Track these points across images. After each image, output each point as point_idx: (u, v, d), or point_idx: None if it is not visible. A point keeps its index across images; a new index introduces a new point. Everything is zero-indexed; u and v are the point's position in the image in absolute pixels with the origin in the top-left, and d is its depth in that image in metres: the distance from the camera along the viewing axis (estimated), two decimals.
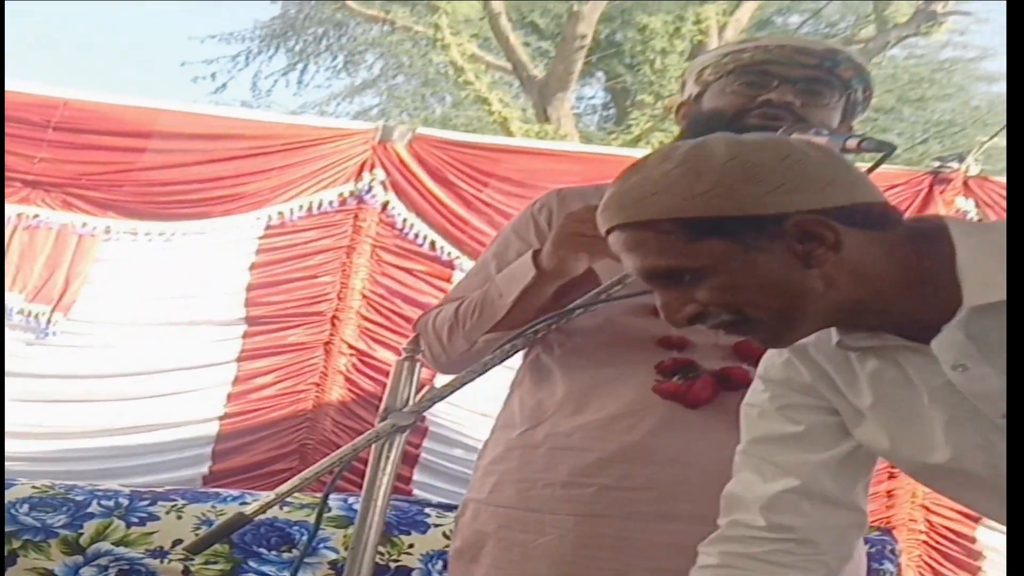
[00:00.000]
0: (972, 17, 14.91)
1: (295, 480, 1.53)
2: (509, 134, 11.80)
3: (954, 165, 6.04)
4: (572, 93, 13.81)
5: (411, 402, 1.67)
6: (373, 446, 1.64)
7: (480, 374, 1.67)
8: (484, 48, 13.90)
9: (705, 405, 1.95)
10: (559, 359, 2.08)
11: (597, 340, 2.05)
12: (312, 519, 4.15)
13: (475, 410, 5.35)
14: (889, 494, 5.86)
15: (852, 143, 1.86)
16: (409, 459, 5.56)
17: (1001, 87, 16.20)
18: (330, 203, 5.59)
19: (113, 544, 4.03)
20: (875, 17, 13.54)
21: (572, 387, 2.04)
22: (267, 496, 1.51)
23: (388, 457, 1.64)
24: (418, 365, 1.70)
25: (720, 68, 2.17)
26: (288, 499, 4.09)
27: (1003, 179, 6.32)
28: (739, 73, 2.14)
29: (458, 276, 5.54)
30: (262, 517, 4.06)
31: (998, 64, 18.10)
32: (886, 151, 1.82)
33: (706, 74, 2.20)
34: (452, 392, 1.70)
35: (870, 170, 1.80)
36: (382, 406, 1.67)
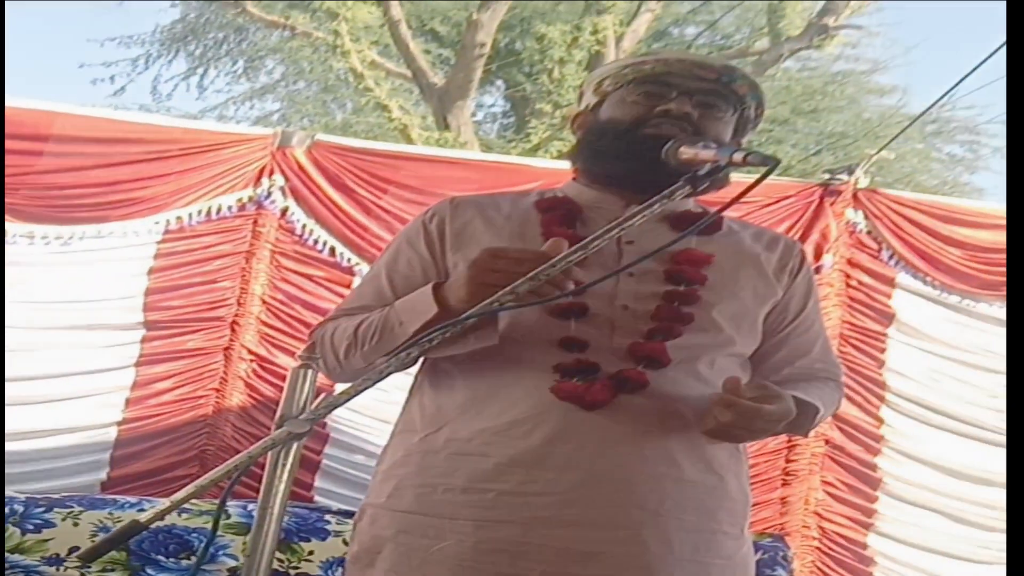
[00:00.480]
0: (863, 31, 15.18)
1: (191, 487, 1.50)
2: (409, 141, 11.78)
3: (844, 177, 6.14)
4: (472, 101, 13.79)
5: (307, 409, 1.66)
6: (269, 453, 1.62)
7: (376, 382, 1.65)
8: (384, 55, 13.84)
9: (602, 407, 1.93)
10: (458, 363, 2.05)
11: (500, 340, 2.01)
12: (211, 526, 4.11)
13: (377, 416, 5.36)
14: (783, 501, 5.97)
15: (738, 157, 1.86)
16: (310, 465, 5.55)
17: (891, 100, 16.58)
18: (229, 208, 5.55)
19: (8, 551, 3.95)
20: (769, 30, 13.67)
21: (472, 391, 2.03)
22: (163, 503, 1.48)
23: (284, 464, 1.64)
24: (313, 372, 1.69)
25: (620, 79, 2.20)
26: (186, 506, 4.05)
27: (892, 192, 6.53)
28: (639, 83, 2.16)
29: (358, 282, 5.54)
30: (160, 524, 4.03)
31: (889, 77, 18.49)
32: (770, 164, 1.81)
33: (605, 84, 2.23)
34: (348, 400, 1.66)
35: (755, 184, 1.83)
36: (278, 413, 1.67)
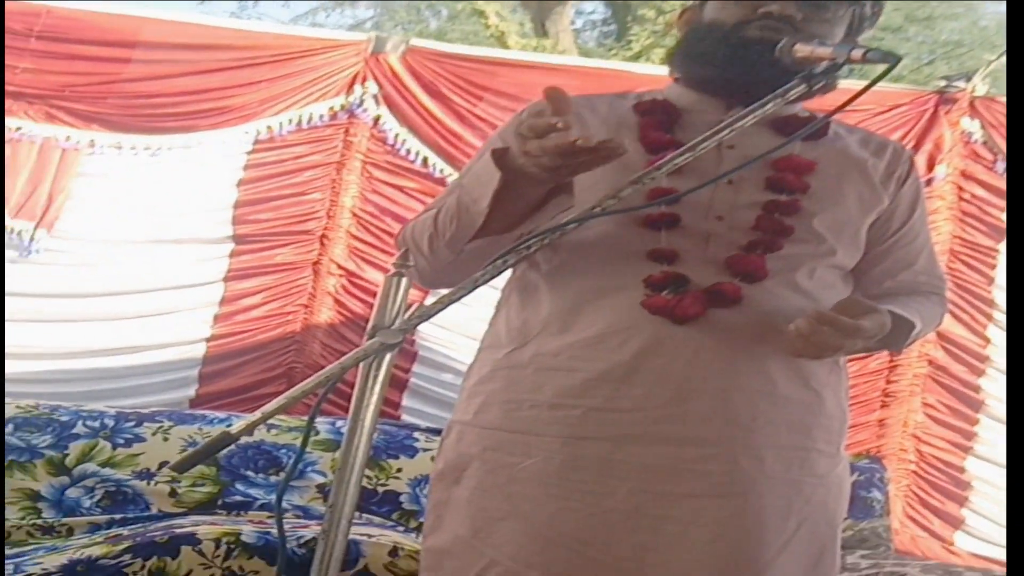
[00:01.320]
0: None
1: (281, 399, 1.48)
2: (506, 47, 11.71)
3: (960, 85, 6.00)
4: (571, 7, 13.67)
5: (399, 320, 1.62)
6: (360, 366, 1.60)
7: (469, 291, 1.62)
8: None
9: (693, 321, 1.91)
10: (546, 275, 2.04)
11: (585, 255, 2.01)
12: (299, 442, 4.15)
13: (466, 334, 5.35)
14: (880, 423, 5.93)
15: (857, 54, 1.79)
16: (398, 384, 5.56)
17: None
18: (320, 117, 5.51)
19: (99, 465, 4.02)
20: None
21: (559, 305, 2.00)
22: (252, 416, 1.47)
23: (376, 377, 1.59)
24: (407, 281, 1.65)
25: None
26: (275, 421, 4.10)
27: None
28: None
29: None
30: (249, 439, 4.09)
31: None
32: (891, 62, 1.75)
33: None
34: (441, 310, 1.63)
35: (874, 82, 1.80)
36: (370, 324, 1.63)
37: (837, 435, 2.04)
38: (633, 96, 2.21)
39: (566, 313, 1.99)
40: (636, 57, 11.93)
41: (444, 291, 1.70)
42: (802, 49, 1.89)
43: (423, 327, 5.53)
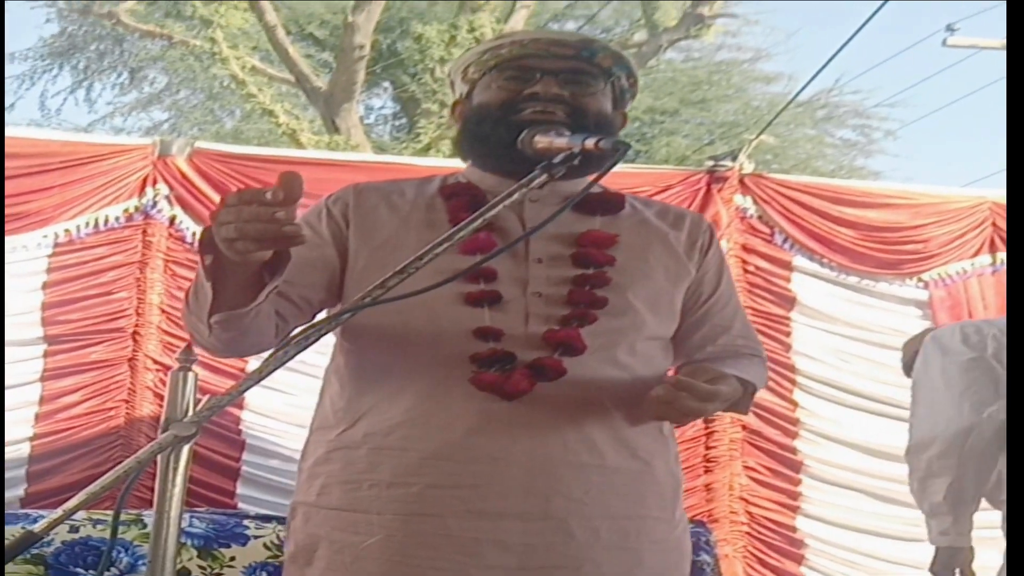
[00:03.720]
0: (741, 19, 15.37)
1: (81, 495, 1.42)
2: (299, 145, 11.67)
3: (728, 164, 6.12)
4: (359, 103, 13.71)
5: (191, 412, 1.62)
6: (159, 459, 1.58)
7: (257, 382, 1.57)
8: (266, 60, 13.73)
9: (520, 397, 1.87)
10: (367, 355, 1.99)
11: (409, 333, 1.94)
12: (130, 536, 4.04)
13: (290, 421, 5.39)
14: (707, 487, 5.96)
15: (591, 143, 1.79)
16: (231, 473, 5.52)
17: (778, 87, 16.64)
18: (116, 219, 5.48)
19: None
20: (645, 21, 13.59)
21: (385, 383, 1.96)
22: (54, 513, 1.43)
23: (176, 468, 1.59)
24: (193, 375, 1.65)
25: (482, 65, 2.10)
26: (101, 516, 3.99)
27: (778, 176, 6.61)
28: (501, 68, 2.07)
29: None
30: (77, 536, 3.95)
31: (773, 64, 18.75)
32: (621, 150, 1.76)
33: (471, 72, 2.13)
34: (232, 400, 1.58)
35: (604, 172, 1.76)
36: (162, 418, 1.62)
37: (671, 501, 2.02)
38: (438, 180, 2.15)
39: (394, 392, 1.94)
40: (426, 149, 11.97)
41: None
42: (541, 140, 1.90)
43: (248, 417, 5.59)
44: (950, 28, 16.18)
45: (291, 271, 1.75)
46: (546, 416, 1.87)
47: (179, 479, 1.59)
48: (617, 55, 2.11)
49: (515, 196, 1.74)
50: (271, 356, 1.57)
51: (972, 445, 3.00)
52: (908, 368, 3.46)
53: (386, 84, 16.22)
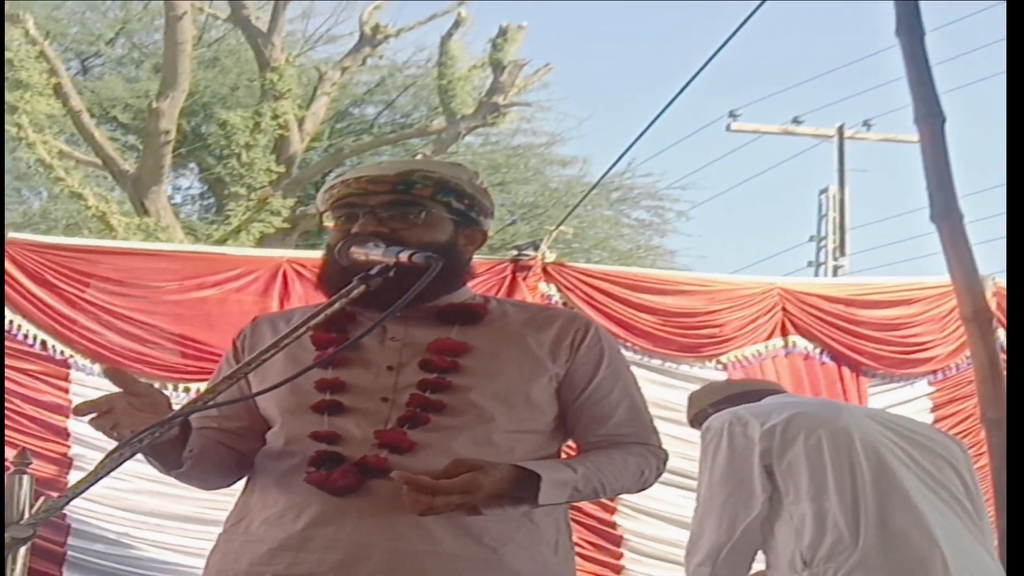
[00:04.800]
0: (535, 106, 15.57)
1: None
2: (109, 227, 11.65)
3: (531, 253, 6.27)
4: (167, 185, 13.55)
5: (27, 514, 1.73)
6: None
7: (92, 484, 1.66)
8: (72, 144, 13.58)
9: (351, 492, 1.99)
10: (257, 461, 2.16)
11: (276, 440, 2.13)
12: None
13: (114, 505, 5.37)
14: None
15: (404, 256, 1.95)
16: (56, 557, 5.36)
17: (574, 170, 17.05)
18: None
19: None
20: (443, 109, 13.78)
21: (260, 484, 2.13)
22: None
23: (14, 570, 1.67)
24: (28, 478, 1.72)
25: (325, 202, 2.23)
26: None
27: (579, 265, 6.78)
28: (335, 208, 2.19)
29: (74, 375, 5.55)
30: None
31: (569, 148, 19.01)
32: (433, 264, 1.92)
33: (322, 204, 2.25)
34: (69, 502, 1.66)
35: (418, 287, 1.88)
36: None
37: None
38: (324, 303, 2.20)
39: (264, 491, 2.11)
40: (236, 231, 11.97)
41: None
42: (357, 252, 2.05)
43: (73, 502, 5.53)
44: (732, 114, 17.03)
45: (223, 410, 2.12)
46: (380, 508, 1.97)
47: None
48: (440, 181, 2.18)
49: (335, 306, 1.95)
50: (105, 458, 1.71)
51: (724, 560, 3.17)
52: (692, 422, 3.63)
53: (192, 165, 16.15)
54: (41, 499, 1.71)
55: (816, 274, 16.14)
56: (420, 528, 1.95)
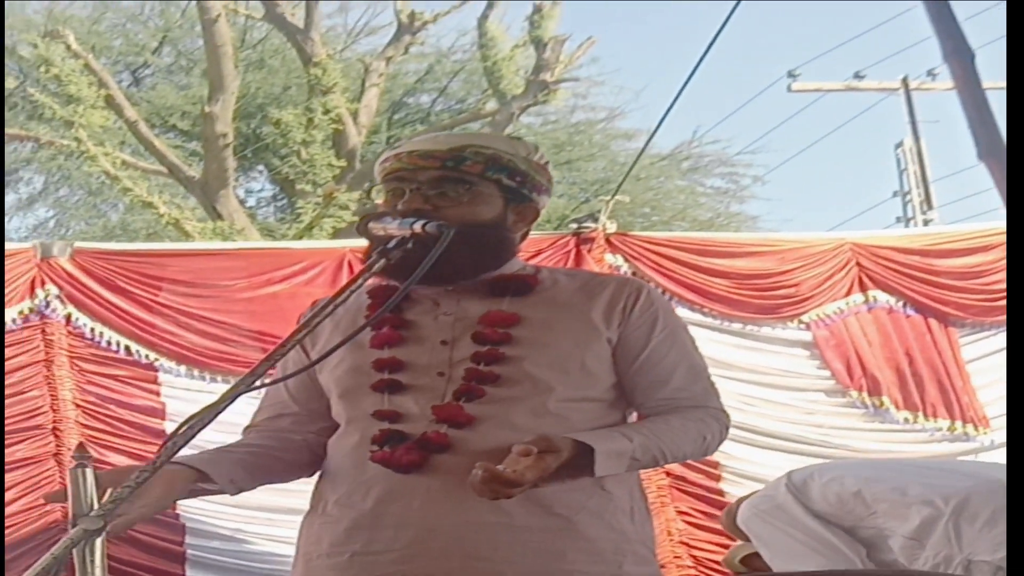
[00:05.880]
0: (586, 81, 15.47)
1: None
2: (185, 233, 11.72)
3: (591, 225, 6.20)
4: (238, 188, 13.65)
5: (95, 506, 1.69)
6: (74, 554, 1.64)
7: (152, 473, 1.71)
8: (137, 154, 13.64)
9: (417, 468, 2.00)
10: (329, 444, 2.19)
11: (339, 420, 2.17)
12: None
13: (225, 502, 5.38)
14: None
15: (418, 227, 1.97)
16: (177, 557, 5.51)
17: (640, 143, 16.41)
18: (13, 320, 5.46)
19: None
20: (493, 91, 13.73)
21: (332, 466, 2.16)
22: None
23: (92, 561, 1.65)
24: (90, 470, 1.71)
25: (379, 174, 2.22)
26: None
27: (643, 233, 6.64)
28: (387, 181, 2.18)
29: (163, 377, 5.65)
30: None
31: (630, 122, 18.78)
32: (445, 232, 1.93)
33: (377, 177, 2.25)
34: (132, 491, 1.68)
35: (431, 258, 1.92)
36: (69, 515, 1.72)
37: (611, 555, 2.04)
38: (373, 283, 2.23)
39: (335, 472, 2.14)
40: (309, 228, 11.98)
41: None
42: (375, 227, 2.07)
43: (184, 502, 5.30)
44: (791, 74, 16.44)
45: (294, 391, 2.23)
46: (447, 483, 1.98)
47: (98, 571, 1.66)
48: (493, 158, 2.15)
49: (359, 281, 1.96)
50: (160, 449, 1.74)
51: None
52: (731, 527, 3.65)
53: (260, 167, 16.21)
54: (107, 491, 1.66)
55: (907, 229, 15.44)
56: (489, 502, 1.91)
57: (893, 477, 3.39)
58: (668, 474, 5.94)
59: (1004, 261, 6.32)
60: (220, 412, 1.77)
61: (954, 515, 3.14)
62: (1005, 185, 2.67)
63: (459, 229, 1.99)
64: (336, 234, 11.57)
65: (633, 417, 2.24)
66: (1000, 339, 6.44)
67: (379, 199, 2.23)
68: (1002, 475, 3.07)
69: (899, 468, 3.65)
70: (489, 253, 2.12)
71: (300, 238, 11.65)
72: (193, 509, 5.45)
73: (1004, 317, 6.37)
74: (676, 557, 5.98)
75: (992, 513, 3.06)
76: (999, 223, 6.58)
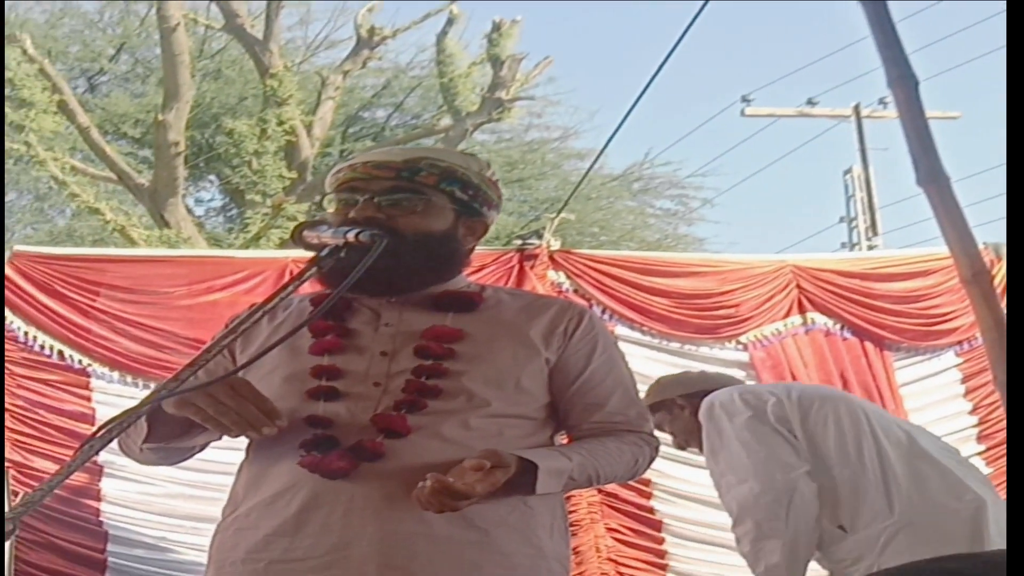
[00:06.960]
0: (542, 100, 15.63)
1: None
2: (131, 240, 11.67)
3: (535, 242, 6.22)
4: (188, 197, 13.64)
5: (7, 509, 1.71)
6: None
7: (67, 476, 1.66)
8: (87, 161, 13.60)
9: (344, 475, 1.99)
10: (251, 448, 2.17)
11: None
12: None
13: (149, 510, 5.40)
14: (575, 551, 5.83)
15: (351, 236, 1.93)
16: (98, 565, 5.44)
17: (589, 164, 16.90)
18: None
19: None
20: (448, 107, 13.79)
21: (252, 471, 2.13)
22: None
23: None
24: (7, 474, 1.75)
25: (331, 185, 2.22)
26: None
27: (585, 251, 6.62)
28: (337, 192, 2.18)
29: (95, 382, 5.60)
30: None
31: (583, 142, 18.83)
32: (378, 242, 1.91)
33: (328, 187, 2.24)
34: (44, 497, 1.63)
35: (362, 267, 1.87)
36: None
37: (528, 569, 2.05)
38: (317, 293, 2.25)
39: (256, 478, 2.10)
40: (256, 238, 12.01)
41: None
42: (309, 235, 2.04)
43: (107, 508, 5.44)
44: (745, 99, 16.75)
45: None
46: (372, 491, 1.98)
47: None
48: (447, 170, 2.17)
49: (289, 289, 1.94)
50: (76, 452, 1.68)
51: (796, 504, 3.07)
52: (652, 408, 3.50)
53: (211, 177, 16.23)
54: (19, 495, 1.65)
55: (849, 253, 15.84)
56: (412, 511, 1.93)
57: None
58: (600, 491, 5.94)
59: (943, 285, 6.46)
60: (140, 416, 1.75)
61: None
62: (944, 210, 2.72)
63: (409, 238, 2.03)
64: (282, 245, 11.58)
65: (560, 438, 2.25)
66: (934, 363, 6.52)
67: (331, 209, 2.21)
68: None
69: None
70: (439, 264, 2.15)
71: (247, 248, 11.61)
72: (116, 517, 5.41)
73: (939, 341, 6.51)
74: (604, 574, 5.98)
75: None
76: (939, 248, 6.57)
